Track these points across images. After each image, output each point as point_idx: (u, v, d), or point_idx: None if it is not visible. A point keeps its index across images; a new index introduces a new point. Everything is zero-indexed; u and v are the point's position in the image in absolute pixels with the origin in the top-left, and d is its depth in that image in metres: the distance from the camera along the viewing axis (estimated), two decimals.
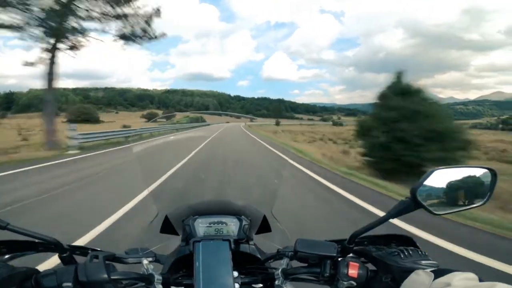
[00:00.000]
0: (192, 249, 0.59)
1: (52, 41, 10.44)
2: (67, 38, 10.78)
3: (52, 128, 10.49)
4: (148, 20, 11.54)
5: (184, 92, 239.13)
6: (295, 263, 0.57)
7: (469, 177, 0.49)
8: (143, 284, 0.54)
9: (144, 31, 11.79)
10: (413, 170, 6.61)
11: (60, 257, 0.53)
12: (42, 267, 0.50)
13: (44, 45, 10.37)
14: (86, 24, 11.07)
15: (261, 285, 0.60)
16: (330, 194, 4.68)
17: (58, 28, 10.16)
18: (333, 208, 3.94)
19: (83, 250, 0.56)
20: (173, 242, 0.69)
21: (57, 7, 9.86)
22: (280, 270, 0.57)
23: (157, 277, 0.54)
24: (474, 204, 0.49)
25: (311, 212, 3.71)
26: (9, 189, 4.38)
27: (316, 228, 3.08)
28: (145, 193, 3.62)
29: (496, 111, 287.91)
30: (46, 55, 10.41)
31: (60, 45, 10.69)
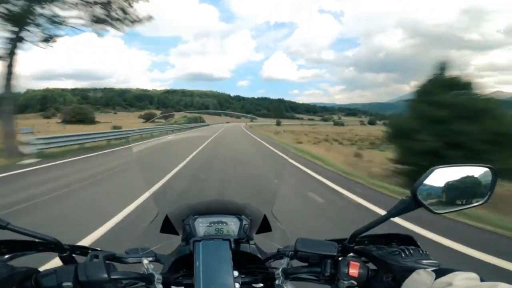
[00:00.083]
0: (193, 248, 0.59)
1: (14, 29, 8.61)
2: (36, 26, 8.97)
3: (11, 131, 8.67)
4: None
5: (183, 92, 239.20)
6: (296, 263, 0.57)
7: (470, 175, 0.48)
8: (143, 283, 0.54)
9: (124, 12, 9.67)
10: None
11: (60, 257, 0.53)
12: (42, 267, 0.49)
13: (6, 34, 8.53)
14: (59, 12, 9.19)
15: (261, 284, 0.60)
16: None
17: (21, 13, 8.31)
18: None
19: (83, 250, 0.56)
20: (173, 242, 0.69)
21: None
22: (280, 269, 0.57)
23: (157, 277, 0.54)
24: (474, 203, 0.49)
25: None
26: None
27: None
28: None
29: None
30: (6, 46, 8.64)
31: (27, 35, 8.93)
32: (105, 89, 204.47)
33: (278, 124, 70.96)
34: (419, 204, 0.45)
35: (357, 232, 0.51)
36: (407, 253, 0.48)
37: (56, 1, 8.89)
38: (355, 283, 0.49)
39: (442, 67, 6.69)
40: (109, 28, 10.04)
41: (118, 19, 9.80)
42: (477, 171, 0.49)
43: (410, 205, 0.46)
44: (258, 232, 0.74)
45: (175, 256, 0.63)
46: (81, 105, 65.52)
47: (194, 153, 4.38)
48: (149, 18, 10.43)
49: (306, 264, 0.54)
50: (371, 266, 0.51)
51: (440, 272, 0.41)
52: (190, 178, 3.98)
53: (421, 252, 0.49)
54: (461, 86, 6.40)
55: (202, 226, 0.67)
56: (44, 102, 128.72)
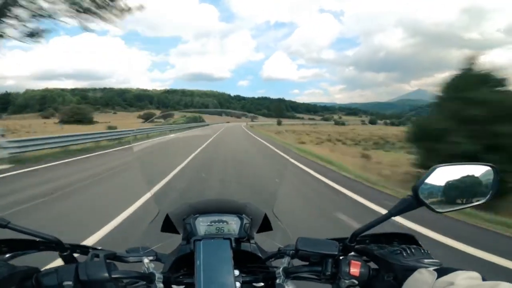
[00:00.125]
0: (193, 247, 0.59)
1: None
2: (15, 19, 8.24)
3: None
4: None
5: (183, 92, 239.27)
6: (297, 262, 0.56)
7: (472, 174, 0.48)
8: (144, 283, 0.54)
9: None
10: None
11: (61, 256, 0.53)
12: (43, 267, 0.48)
13: None
14: (41, 3, 8.29)
15: (262, 284, 0.60)
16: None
17: None
18: None
19: (84, 249, 0.56)
20: (174, 241, 0.69)
21: None
22: (281, 268, 0.57)
23: (158, 276, 0.54)
24: (476, 201, 0.49)
25: None
26: None
27: None
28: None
29: None
30: None
31: (6, 30, 8.14)
32: (105, 89, 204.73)
33: (279, 123, 70.68)
34: (420, 203, 0.45)
35: (358, 231, 0.51)
36: (409, 252, 0.48)
37: None
38: (356, 282, 0.49)
39: (471, 62, 6.02)
40: (95, 18, 9.06)
41: (103, 7, 8.93)
42: (479, 169, 0.49)
43: (412, 204, 0.45)
44: (259, 231, 0.73)
45: (175, 255, 0.63)
46: (79, 105, 65.04)
47: (190, 157, 3.77)
48: (140, 7, 9.68)
49: (307, 263, 0.54)
50: (373, 265, 0.51)
51: (441, 271, 0.40)
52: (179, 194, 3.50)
53: (422, 251, 0.48)
54: (496, 82, 5.71)
55: (202, 225, 0.67)
56: (43, 102, 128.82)
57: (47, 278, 0.46)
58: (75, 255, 0.55)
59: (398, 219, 2.40)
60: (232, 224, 0.68)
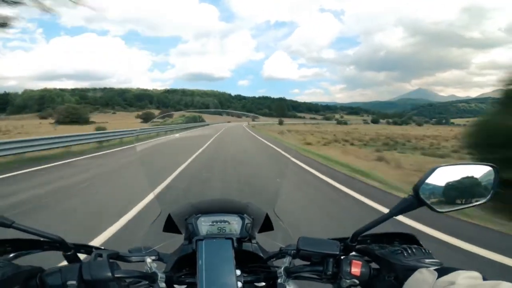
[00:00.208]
0: (195, 247, 0.59)
1: None
2: None
3: None
4: None
5: (184, 92, 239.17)
6: (298, 262, 0.57)
7: (472, 174, 0.48)
8: (147, 282, 0.54)
9: None
10: None
11: (64, 256, 0.54)
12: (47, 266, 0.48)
13: None
14: None
15: (263, 283, 0.60)
16: None
17: None
18: None
19: (87, 249, 0.56)
20: (176, 241, 0.69)
21: None
22: (282, 268, 0.57)
23: (160, 276, 0.55)
24: (477, 201, 0.49)
25: None
26: None
27: None
28: None
29: None
30: None
31: None
32: (105, 89, 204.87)
33: (281, 123, 70.07)
34: (421, 203, 0.45)
35: (359, 231, 0.51)
36: (410, 252, 0.48)
37: None
38: (357, 282, 0.49)
39: None
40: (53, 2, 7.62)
41: None
42: (479, 169, 0.49)
43: (413, 204, 0.46)
44: (260, 231, 0.74)
45: (178, 255, 0.63)
46: (75, 105, 63.77)
47: (188, 161, 3.45)
48: None
49: (308, 263, 0.55)
50: (373, 265, 0.51)
51: (442, 271, 0.41)
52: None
53: (423, 251, 0.48)
54: None
55: (204, 225, 0.67)
56: (42, 102, 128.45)
57: (51, 277, 0.47)
58: (79, 254, 0.56)
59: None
60: (234, 224, 0.68)
